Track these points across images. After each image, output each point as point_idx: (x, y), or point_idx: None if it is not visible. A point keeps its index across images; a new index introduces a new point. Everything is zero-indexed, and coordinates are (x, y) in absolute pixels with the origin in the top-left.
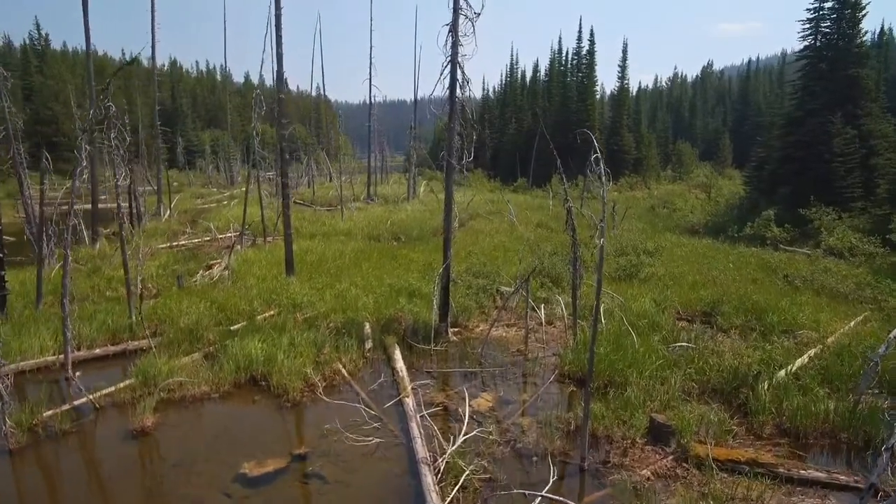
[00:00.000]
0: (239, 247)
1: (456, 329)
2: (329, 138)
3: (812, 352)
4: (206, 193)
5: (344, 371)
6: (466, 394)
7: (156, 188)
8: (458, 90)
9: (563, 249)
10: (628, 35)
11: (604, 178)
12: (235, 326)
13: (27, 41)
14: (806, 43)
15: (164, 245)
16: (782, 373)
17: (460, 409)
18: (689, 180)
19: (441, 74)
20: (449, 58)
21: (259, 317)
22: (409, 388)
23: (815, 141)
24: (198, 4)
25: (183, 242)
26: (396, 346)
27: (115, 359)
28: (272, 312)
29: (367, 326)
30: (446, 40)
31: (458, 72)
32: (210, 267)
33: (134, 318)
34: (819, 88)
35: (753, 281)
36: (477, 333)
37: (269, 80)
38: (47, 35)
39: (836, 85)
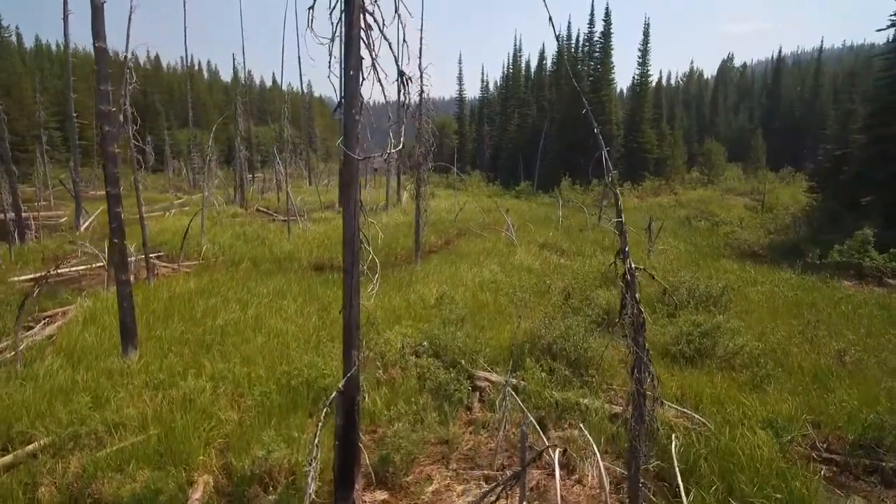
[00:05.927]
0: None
1: (383, 497)
2: (302, 132)
3: None
4: (158, 199)
5: None
6: None
7: (74, 193)
8: None
9: (583, 289)
10: (632, 31)
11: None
12: None
13: None
14: None
15: (29, 276)
16: None
17: None
18: (721, 184)
19: None
20: None
21: None
22: None
23: None
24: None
25: (63, 270)
26: None
27: None
28: (38, 444)
29: (197, 496)
30: None
31: None
32: (47, 319)
33: None
34: None
35: None
36: (423, 502)
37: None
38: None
39: None
